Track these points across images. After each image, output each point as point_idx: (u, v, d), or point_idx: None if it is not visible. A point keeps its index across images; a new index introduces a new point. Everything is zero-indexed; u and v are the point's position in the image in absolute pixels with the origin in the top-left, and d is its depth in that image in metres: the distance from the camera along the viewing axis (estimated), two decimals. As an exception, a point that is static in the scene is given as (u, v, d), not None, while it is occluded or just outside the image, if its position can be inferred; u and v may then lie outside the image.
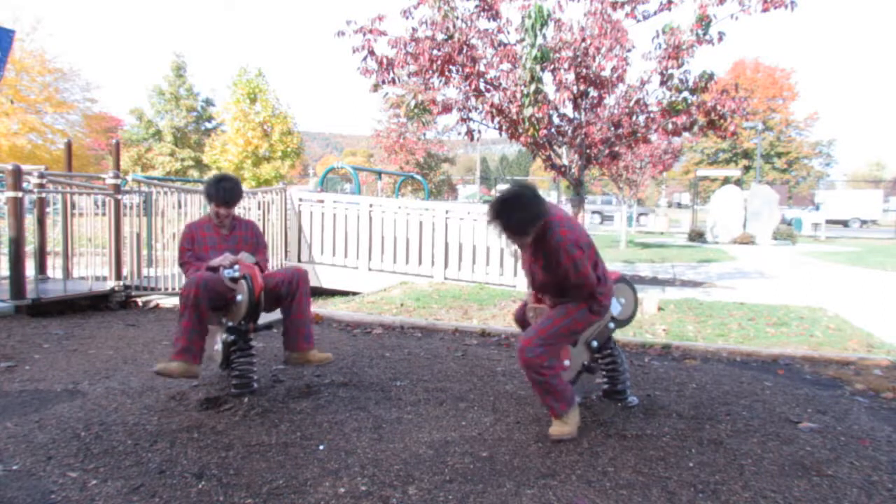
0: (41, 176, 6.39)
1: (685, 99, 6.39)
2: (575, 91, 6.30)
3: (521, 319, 3.30)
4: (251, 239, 3.72)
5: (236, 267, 3.35)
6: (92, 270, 6.59)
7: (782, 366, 4.27)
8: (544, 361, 2.78)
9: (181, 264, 3.56)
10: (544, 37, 5.88)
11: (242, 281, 3.31)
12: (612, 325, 3.26)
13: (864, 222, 34.38)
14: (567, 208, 7.44)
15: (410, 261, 8.69)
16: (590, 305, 2.87)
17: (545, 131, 6.25)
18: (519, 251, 3.11)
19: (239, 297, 3.31)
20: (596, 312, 2.90)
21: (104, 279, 6.45)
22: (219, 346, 3.51)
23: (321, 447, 2.74)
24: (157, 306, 6.41)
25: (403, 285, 8.04)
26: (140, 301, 6.47)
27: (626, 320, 3.35)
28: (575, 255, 2.70)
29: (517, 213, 2.67)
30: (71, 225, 6.54)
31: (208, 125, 38.63)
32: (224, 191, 3.52)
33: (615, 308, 3.22)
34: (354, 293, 8.26)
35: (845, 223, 33.46)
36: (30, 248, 6.45)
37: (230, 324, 3.38)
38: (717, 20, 6.08)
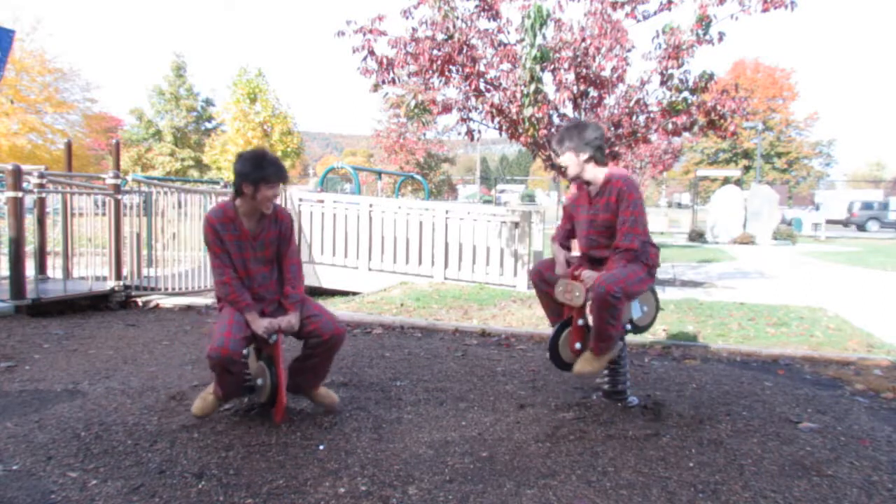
0: (41, 176, 6.39)
1: (685, 99, 6.39)
2: (575, 91, 6.30)
3: (541, 277, 3.30)
4: (280, 241, 3.07)
5: (274, 337, 2.97)
6: (92, 270, 6.59)
7: (782, 366, 4.27)
8: (620, 304, 2.91)
9: (214, 267, 2.98)
10: (544, 37, 5.88)
11: (267, 372, 3.01)
12: (629, 327, 3.27)
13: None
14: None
15: (410, 261, 8.69)
16: (645, 263, 3.04)
17: (545, 131, 6.25)
18: (564, 212, 3.38)
19: (260, 381, 3.07)
20: (651, 275, 3.08)
21: (104, 279, 6.45)
22: (262, 381, 3.09)
23: (321, 447, 2.74)
24: (157, 306, 6.41)
25: (403, 285, 8.04)
26: (140, 301, 6.48)
27: (645, 327, 3.35)
28: (639, 206, 3.00)
29: (593, 131, 3.07)
30: (71, 225, 6.54)
31: (208, 125, 38.67)
32: (272, 163, 2.88)
33: (636, 312, 3.22)
34: (354, 293, 8.26)
35: (845, 223, 33.46)
36: (30, 248, 6.45)
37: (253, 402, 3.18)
38: (717, 20, 6.08)
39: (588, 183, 3.16)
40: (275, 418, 3.00)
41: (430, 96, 6.35)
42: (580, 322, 3.15)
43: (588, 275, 3.06)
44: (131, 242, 6.70)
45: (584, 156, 3.07)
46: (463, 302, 6.72)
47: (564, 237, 3.38)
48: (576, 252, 3.35)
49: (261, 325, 2.91)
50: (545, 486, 2.39)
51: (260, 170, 2.84)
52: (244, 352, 2.90)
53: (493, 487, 2.38)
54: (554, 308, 3.32)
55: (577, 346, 3.18)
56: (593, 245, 3.19)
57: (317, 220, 9.25)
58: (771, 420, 3.16)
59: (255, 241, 2.99)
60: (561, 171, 7.10)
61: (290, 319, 2.96)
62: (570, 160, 3.09)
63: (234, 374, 2.89)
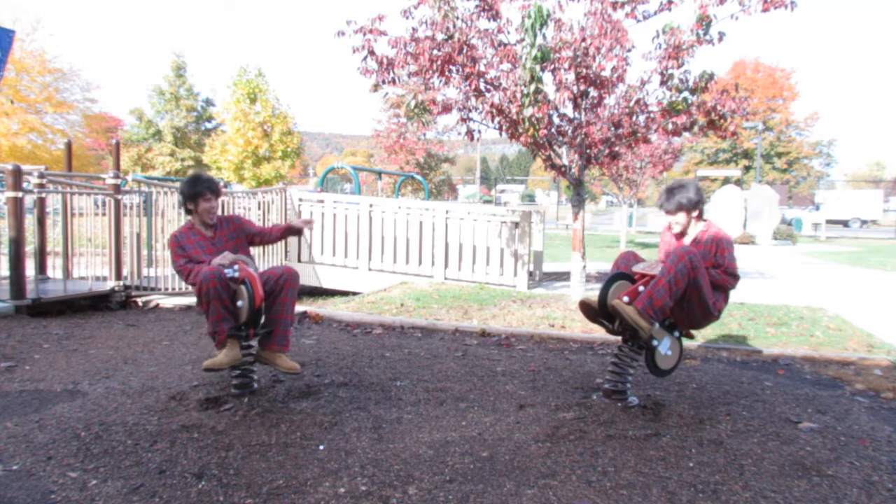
0: (41, 176, 6.39)
1: (685, 99, 6.37)
2: (575, 91, 6.29)
3: (626, 261, 3.42)
4: (237, 232, 3.64)
5: (236, 267, 3.30)
6: (92, 270, 6.59)
7: (782, 366, 4.27)
8: (683, 273, 3.08)
9: (179, 270, 3.45)
10: (544, 37, 5.87)
11: (242, 287, 3.25)
12: (652, 373, 3.31)
13: (864, 222, 34.40)
14: (567, 208, 7.43)
15: (410, 261, 8.69)
16: (722, 291, 3.32)
17: (545, 131, 6.24)
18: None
19: (239, 303, 3.26)
20: (710, 309, 3.24)
21: (104, 279, 6.45)
22: (242, 302, 3.31)
23: (321, 447, 2.74)
24: (157, 306, 6.41)
25: (403, 285, 8.04)
26: (140, 301, 6.47)
27: (663, 371, 3.32)
28: (732, 250, 3.35)
29: (687, 193, 3.42)
30: (71, 225, 6.54)
31: (208, 125, 38.65)
32: (206, 180, 3.52)
33: (663, 348, 3.23)
34: (354, 293, 8.26)
35: (845, 223, 33.47)
36: (30, 248, 6.45)
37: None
38: (718, 20, 6.07)
39: (684, 234, 3.50)
40: (256, 301, 3.22)
41: (430, 96, 6.34)
42: (641, 288, 3.23)
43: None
44: (131, 242, 6.70)
45: (695, 213, 3.42)
46: (463, 302, 6.72)
47: None
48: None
49: (216, 258, 3.33)
50: (545, 486, 2.39)
51: (194, 187, 3.48)
52: (227, 273, 3.26)
53: (493, 487, 2.38)
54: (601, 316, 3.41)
55: (625, 299, 3.23)
56: None
57: (317, 220, 9.24)
58: (771, 420, 3.16)
59: (213, 241, 3.55)
60: (561, 171, 7.09)
61: (241, 254, 3.47)
62: (682, 218, 3.43)
63: (220, 298, 3.17)
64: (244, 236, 3.67)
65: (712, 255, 3.32)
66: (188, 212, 3.56)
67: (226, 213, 3.82)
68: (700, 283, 3.13)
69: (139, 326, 5.39)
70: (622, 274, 3.36)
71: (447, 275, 8.45)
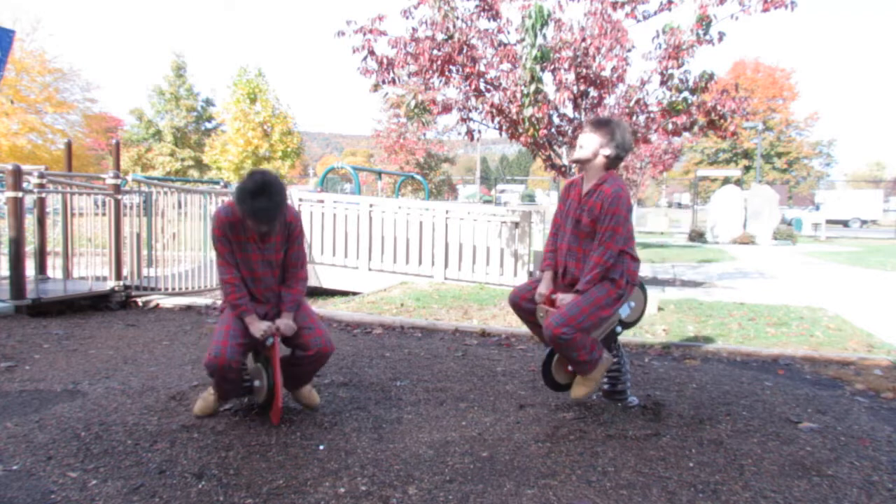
0: (41, 176, 6.38)
1: (685, 99, 6.38)
2: (575, 91, 6.30)
3: (518, 307, 3.28)
4: (286, 248, 3.04)
5: (271, 339, 2.97)
6: (92, 270, 6.59)
7: (782, 366, 4.27)
8: (574, 340, 2.93)
9: (220, 267, 2.97)
10: (544, 37, 5.87)
11: (263, 373, 3.04)
12: (619, 328, 3.27)
13: (864, 222, 34.40)
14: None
15: (410, 261, 8.70)
16: (616, 280, 2.99)
17: (545, 131, 6.25)
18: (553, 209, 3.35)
19: (257, 384, 3.11)
20: (620, 296, 3.02)
21: (104, 279, 6.44)
22: (259, 384, 3.12)
23: (321, 447, 2.74)
24: (157, 306, 6.41)
25: (403, 285, 8.04)
26: (140, 301, 6.47)
27: (633, 322, 3.36)
28: (624, 213, 2.97)
29: (618, 128, 3.04)
30: (71, 225, 6.54)
31: (208, 125, 38.68)
32: (259, 211, 2.72)
33: (624, 310, 3.22)
34: (354, 293, 8.26)
35: (845, 223, 33.46)
36: (30, 248, 6.45)
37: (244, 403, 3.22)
38: (718, 20, 6.07)
39: (583, 179, 3.14)
40: (272, 420, 3.00)
41: (430, 96, 6.34)
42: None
43: (562, 298, 3.04)
44: (131, 242, 6.70)
45: (607, 151, 3.01)
46: (463, 302, 6.72)
47: (553, 251, 3.27)
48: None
49: (259, 328, 2.89)
50: (545, 486, 2.39)
51: (244, 205, 2.74)
52: (241, 358, 2.91)
53: (493, 487, 2.38)
54: (539, 332, 3.24)
55: (570, 367, 3.19)
56: (573, 245, 3.12)
57: (317, 220, 9.25)
58: (771, 420, 3.16)
59: (262, 244, 2.95)
60: (561, 171, 7.08)
61: (287, 322, 2.96)
62: (591, 142, 3.02)
63: (231, 380, 2.90)
64: (291, 259, 3.07)
65: (597, 213, 2.97)
66: None
67: (291, 211, 3.06)
68: (589, 324, 2.94)
69: (139, 326, 5.39)
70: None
71: (447, 275, 8.45)
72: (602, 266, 2.96)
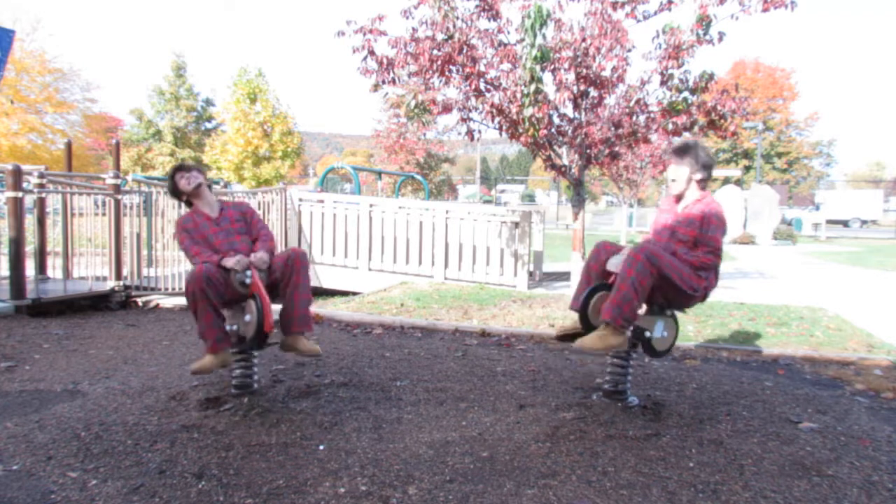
0: (41, 176, 6.39)
1: (685, 99, 6.38)
2: (575, 91, 6.30)
3: (598, 253, 3.28)
4: (244, 219, 3.51)
5: (248, 273, 3.15)
6: (92, 270, 6.59)
7: (782, 366, 4.27)
8: (647, 268, 2.95)
9: (185, 249, 3.35)
10: (544, 37, 5.87)
11: (252, 302, 3.15)
12: (647, 334, 3.19)
13: (864, 222, 34.40)
14: (567, 208, 7.45)
15: (410, 261, 8.69)
16: (701, 277, 3.11)
17: (545, 131, 6.25)
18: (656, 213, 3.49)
19: (247, 318, 3.18)
20: (697, 285, 3.09)
21: (104, 279, 6.45)
22: (250, 317, 3.22)
23: (321, 447, 2.74)
24: (157, 306, 6.41)
25: (403, 285, 8.04)
26: (140, 301, 6.47)
27: (661, 352, 3.27)
28: (720, 225, 3.15)
29: (700, 153, 3.25)
30: (71, 225, 6.54)
31: (208, 125, 38.66)
32: (177, 166, 3.54)
33: (657, 332, 3.17)
34: (354, 293, 8.26)
35: (845, 223, 33.46)
36: (30, 248, 6.45)
37: (236, 347, 3.28)
38: (718, 20, 6.07)
39: (681, 198, 3.33)
40: (266, 327, 3.12)
41: (430, 96, 6.34)
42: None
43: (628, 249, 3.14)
44: (131, 242, 6.71)
45: (697, 176, 3.24)
46: (463, 302, 6.72)
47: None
48: None
49: (231, 260, 3.17)
50: (545, 486, 2.39)
51: (172, 170, 3.52)
52: (219, 274, 3.15)
53: (493, 487, 2.38)
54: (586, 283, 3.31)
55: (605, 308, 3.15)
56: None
57: (317, 220, 9.25)
58: (771, 420, 3.16)
59: (218, 221, 3.44)
60: (561, 171, 7.07)
61: (259, 255, 3.27)
62: (682, 174, 3.25)
63: (211, 301, 3.11)
64: (253, 230, 3.52)
65: (697, 224, 3.14)
66: (188, 204, 3.54)
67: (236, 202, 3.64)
68: (668, 274, 2.98)
69: (139, 326, 5.39)
70: (600, 286, 3.24)
71: (447, 275, 8.45)
72: (700, 262, 3.09)
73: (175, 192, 3.51)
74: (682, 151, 3.26)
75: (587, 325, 3.23)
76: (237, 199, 3.72)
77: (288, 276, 3.27)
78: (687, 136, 6.92)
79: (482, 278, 8.25)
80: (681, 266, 3.05)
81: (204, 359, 3.14)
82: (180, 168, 3.53)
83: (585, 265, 3.35)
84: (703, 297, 3.21)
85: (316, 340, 4.88)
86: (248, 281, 3.14)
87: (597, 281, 3.25)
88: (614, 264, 3.13)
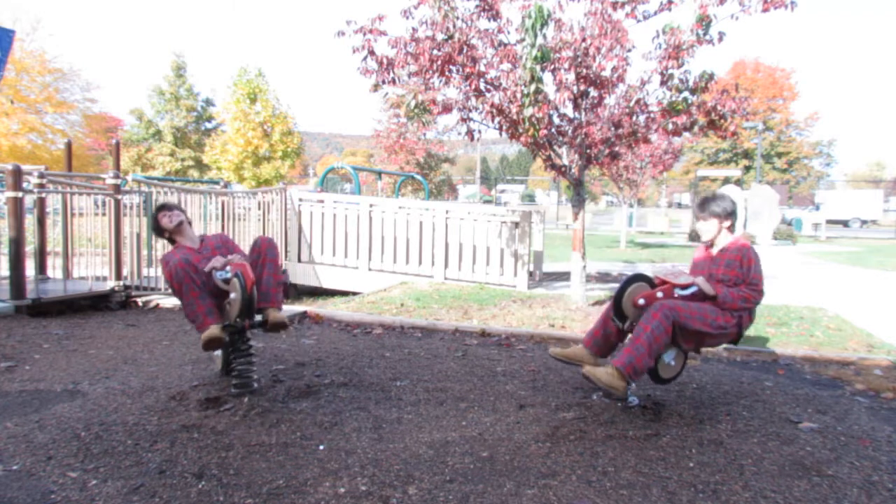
0: (41, 176, 6.39)
1: (685, 99, 6.37)
2: (575, 91, 6.29)
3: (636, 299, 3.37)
4: (224, 245, 3.75)
5: (228, 268, 3.33)
6: (92, 270, 6.59)
7: (782, 366, 4.27)
8: (664, 325, 3.05)
9: (168, 281, 3.43)
10: (544, 37, 5.87)
11: (234, 279, 3.27)
12: (653, 381, 3.30)
13: (864, 222, 34.40)
14: (567, 208, 7.45)
15: (410, 261, 8.69)
16: (731, 316, 3.20)
17: (545, 131, 6.24)
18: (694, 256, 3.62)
19: (233, 295, 3.29)
20: (725, 327, 3.19)
21: (104, 279, 6.44)
22: (235, 294, 3.35)
23: (321, 447, 2.74)
24: (157, 306, 6.40)
25: (403, 285, 8.04)
26: (140, 301, 6.47)
27: (668, 380, 3.34)
28: (759, 262, 3.26)
29: (723, 203, 3.40)
30: (71, 225, 6.54)
31: (208, 125, 38.65)
32: (159, 206, 3.78)
33: (667, 359, 3.23)
34: (354, 293, 8.26)
35: (845, 223, 33.46)
36: (30, 248, 6.45)
37: (226, 322, 3.36)
38: (718, 20, 6.07)
39: (713, 244, 3.45)
40: (247, 284, 3.21)
41: (430, 96, 6.34)
42: (659, 294, 3.26)
43: (701, 278, 3.26)
44: (131, 242, 6.71)
45: (727, 223, 3.37)
46: (463, 302, 6.72)
47: None
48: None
49: (209, 263, 3.37)
50: (545, 486, 2.39)
51: (155, 210, 3.76)
52: (199, 264, 3.34)
53: (493, 487, 2.38)
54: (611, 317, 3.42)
55: (641, 301, 3.25)
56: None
57: (317, 220, 9.25)
58: (771, 420, 3.16)
59: (200, 250, 3.66)
60: (561, 171, 7.09)
61: (235, 255, 3.49)
62: (712, 227, 3.39)
63: (193, 279, 3.28)
64: (230, 249, 3.74)
65: (737, 265, 3.27)
66: (171, 241, 3.78)
67: (220, 227, 3.99)
68: (688, 325, 3.08)
69: (139, 326, 5.39)
70: (641, 275, 3.39)
71: (447, 275, 8.45)
72: (744, 299, 3.18)
73: (158, 230, 3.74)
74: (707, 206, 3.43)
75: (619, 313, 3.36)
76: (215, 234, 4.05)
77: (260, 266, 3.44)
78: (687, 135, 6.92)
79: (482, 278, 8.25)
80: (705, 310, 3.14)
81: (208, 330, 3.27)
82: (163, 207, 3.77)
83: (611, 303, 3.42)
84: (737, 336, 3.30)
85: (316, 340, 4.88)
86: (228, 275, 3.30)
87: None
88: (664, 271, 3.35)
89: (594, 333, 3.45)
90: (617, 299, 3.35)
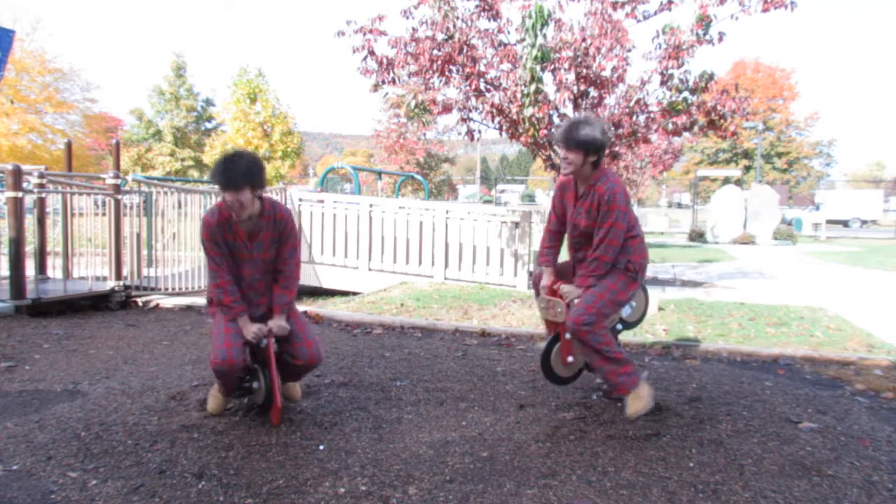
0: (41, 176, 6.38)
1: (685, 99, 6.38)
2: (575, 91, 6.30)
3: (536, 288, 3.33)
4: (279, 240, 3.02)
5: (265, 342, 3.00)
6: (92, 270, 6.59)
7: (782, 366, 4.27)
8: (597, 328, 2.95)
9: (212, 265, 2.95)
10: (544, 37, 5.87)
11: (261, 374, 3.05)
12: (619, 326, 3.28)
13: (864, 222, 34.40)
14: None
15: (410, 261, 8.69)
16: (624, 267, 3.03)
17: (545, 131, 6.25)
18: (554, 210, 3.28)
19: (255, 385, 3.13)
20: (634, 278, 3.07)
21: (104, 279, 6.44)
22: (258, 385, 3.14)
23: (321, 447, 2.74)
24: (157, 306, 6.40)
25: (403, 285, 8.04)
26: (140, 301, 6.47)
27: (635, 322, 3.39)
28: (622, 207, 2.95)
29: (587, 129, 2.97)
30: (71, 225, 6.54)
31: (208, 125, 38.69)
32: (224, 172, 2.77)
33: (625, 310, 3.21)
34: (354, 293, 8.26)
35: (845, 223, 33.46)
36: (30, 248, 6.45)
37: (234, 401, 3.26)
38: (718, 20, 6.08)
39: (575, 182, 3.14)
40: (272, 420, 3.00)
41: (430, 96, 6.34)
42: (567, 336, 3.15)
43: (566, 290, 3.08)
44: (131, 242, 6.70)
45: (592, 158, 3.00)
46: (463, 302, 6.72)
47: (551, 247, 3.30)
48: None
49: (250, 330, 2.93)
50: (545, 486, 2.39)
51: (214, 176, 2.83)
52: (246, 356, 2.97)
53: (493, 487, 2.38)
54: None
55: (570, 359, 3.21)
56: (578, 247, 3.19)
57: (317, 220, 9.25)
58: (771, 420, 3.16)
59: (251, 243, 2.96)
60: (560, 170, 7.05)
61: (280, 323, 2.98)
62: (577, 159, 2.99)
63: (237, 378, 3.01)
64: (279, 248, 3.05)
65: (595, 212, 2.99)
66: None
67: (281, 208, 3.06)
68: (613, 296, 2.99)
69: (139, 326, 5.39)
70: (553, 339, 3.25)
71: (447, 275, 8.45)
72: (605, 263, 3.00)
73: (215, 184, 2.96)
74: (573, 143, 3.02)
75: (553, 376, 3.28)
76: (281, 213, 3.03)
77: (293, 370, 3.13)
78: (687, 135, 6.92)
79: (482, 278, 8.25)
80: (607, 284, 2.99)
81: (219, 399, 3.13)
82: (222, 183, 2.80)
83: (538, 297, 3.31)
84: (645, 267, 3.16)
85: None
86: (262, 346, 3.02)
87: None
88: (543, 311, 3.17)
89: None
90: (547, 370, 3.25)
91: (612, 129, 6.60)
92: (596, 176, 3.03)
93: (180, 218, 7.26)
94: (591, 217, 3.03)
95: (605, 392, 3.39)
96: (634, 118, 6.59)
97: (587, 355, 3.06)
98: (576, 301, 3.01)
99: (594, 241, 3.01)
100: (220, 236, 2.92)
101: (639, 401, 3.05)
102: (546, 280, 3.20)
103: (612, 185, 2.98)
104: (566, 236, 3.24)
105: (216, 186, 2.87)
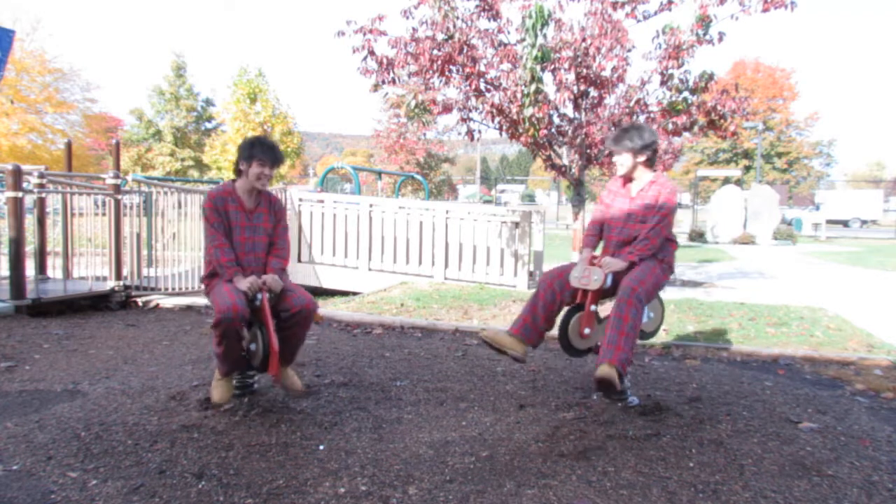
0: (41, 176, 6.39)
1: (685, 99, 6.38)
2: (575, 91, 6.30)
3: (550, 284, 3.32)
4: (274, 219, 3.34)
5: (259, 296, 3.09)
6: (92, 270, 6.59)
7: (782, 366, 4.27)
8: (640, 310, 3.06)
9: (208, 232, 3.18)
10: (545, 37, 5.87)
11: (258, 332, 3.11)
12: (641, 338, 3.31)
13: (864, 222, 34.40)
14: (567, 207, 7.46)
15: (410, 261, 8.69)
16: (661, 259, 3.27)
17: (545, 131, 6.25)
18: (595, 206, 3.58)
19: (252, 346, 3.16)
20: (665, 271, 3.30)
21: (104, 279, 6.44)
22: (255, 346, 3.19)
23: (321, 447, 2.74)
24: (157, 306, 6.41)
25: (403, 285, 8.04)
26: (140, 301, 6.47)
27: (651, 333, 3.41)
28: (673, 204, 3.27)
29: (634, 133, 3.31)
30: (71, 225, 6.54)
31: (208, 125, 38.70)
32: (268, 146, 3.21)
33: (644, 317, 3.22)
34: (354, 293, 8.26)
35: (845, 223, 33.46)
36: (30, 248, 6.45)
37: (238, 376, 3.33)
38: (718, 20, 6.08)
39: (632, 180, 3.40)
40: (270, 371, 3.05)
41: (430, 96, 6.34)
42: (592, 308, 3.23)
43: (608, 261, 3.21)
44: (131, 242, 6.70)
45: (641, 158, 3.30)
46: (463, 302, 6.72)
47: (595, 236, 3.49)
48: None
49: (244, 283, 3.09)
50: (545, 486, 2.39)
51: (252, 148, 3.21)
52: (248, 309, 3.07)
53: (493, 487, 2.38)
54: (541, 309, 3.31)
55: (587, 331, 3.25)
56: (625, 236, 3.34)
57: (317, 220, 9.24)
58: (771, 420, 3.16)
59: (250, 215, 3.29)
60: (561, 171, 7.08)
61: (273, 277, 3.19)
62: (627, 160, 3.31)
63: (237, 337, 3.06)
64: (276, 236, 3.36)
65: (644, 212, 3.28)
66: (237, 172, 3.27)
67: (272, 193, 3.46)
68: (654, 280, 3.17)
69: (139, 326, 5.39)
70: (575, 307, 3.30)
71: (447, 275, 8.45)
72: (652, 246, 3.21)
73: (241, 162, 3.23)
74: (620, 139, 3.36)
75: (567, 345, 3.36)
76: (278, 197, 3.55)
77: (290, 327, 3.21)
78: (687, 135, 6.92)
79: (482, 278, 8.25)
80: (650, 271, 3.17)
81: (223, 385, 3.22)
82: (264, 155, 3.19)
83: (534, 295, 3.35)
84: (672, 269, 3.40)
85: (316, 340, 4.88)
86: (257, 303, 3.09)
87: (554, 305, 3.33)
88: (576, 279, 3.20)
89: (523, 321, 3.32)
90: (563, 338, 3.33)
91: (613, 129, 6.60)
92: (656, 177, 3.35)
93: (180, 218, 7.26)
94: (637, 218, 3.29)
95: (605, 392, 3.38)
96: (634, 118, 6.59)
97: (616, 324, 3.02)
98: (609, 279, 3.17)
99: (646, 227, 3.24)
100: (222, 205, 3.21)
101: (612, 374, 3.00)
102: (587, 254, 3.36)
103: (668, 186, 3.31)
104: (611, 227, 3.43)
105: (252, 158, 3.18)
